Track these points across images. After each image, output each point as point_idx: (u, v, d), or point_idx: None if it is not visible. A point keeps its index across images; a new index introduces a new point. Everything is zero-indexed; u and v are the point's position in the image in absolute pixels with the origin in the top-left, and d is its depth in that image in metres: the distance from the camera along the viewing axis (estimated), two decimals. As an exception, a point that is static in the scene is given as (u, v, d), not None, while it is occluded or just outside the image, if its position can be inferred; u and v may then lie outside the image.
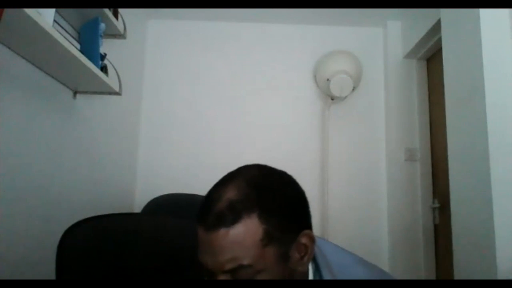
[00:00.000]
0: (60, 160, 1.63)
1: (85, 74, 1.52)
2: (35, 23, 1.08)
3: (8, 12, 1.01)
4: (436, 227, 2.42)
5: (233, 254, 0.62)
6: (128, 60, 2.37)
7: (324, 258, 0.73)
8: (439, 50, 2.10)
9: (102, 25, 1.65)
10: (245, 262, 0.62)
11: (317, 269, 0.73)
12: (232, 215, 0.63)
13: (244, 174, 0.68)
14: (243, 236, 0.62)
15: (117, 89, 1.78)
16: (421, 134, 2.55)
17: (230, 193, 0.64)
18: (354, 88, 2.57)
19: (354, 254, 0.78)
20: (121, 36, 1.89)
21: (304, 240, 0.69)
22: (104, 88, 1.71)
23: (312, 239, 0.70)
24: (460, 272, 1.64)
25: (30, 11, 1.04)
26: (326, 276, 0.71)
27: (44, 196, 1.51)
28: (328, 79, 2.54)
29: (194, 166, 2.60)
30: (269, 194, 0.66)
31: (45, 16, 1.18)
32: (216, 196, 0.65)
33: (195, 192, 2.17)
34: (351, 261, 0.76)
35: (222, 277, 0.64)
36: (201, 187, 2.44)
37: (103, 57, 1.70)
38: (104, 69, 1.70)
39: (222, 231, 0.63)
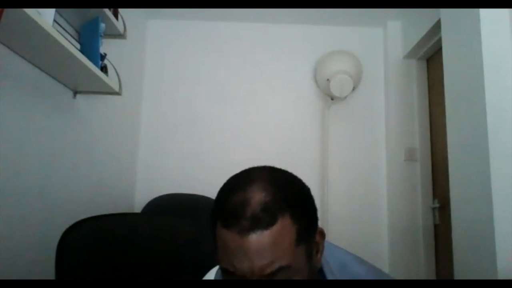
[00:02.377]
0: (60, 160, 1.63)
1: (85, 74, 1.52)
2: (35, 23, 1.09)
3: (8, 12, 1.01)
4: (436, 227, 2.42)
5: (272, 257, 0.60)
6: (128, 60, 2.37)
7: (324, 257, 0.73)
8: (439, 50, 2.10)
9: (102, 25, 1.65)
10: (284, 263, 0.61)
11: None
12: (268, 217, 0.61)
13: (261, 176, 0.66)
14: (280, 237, 0.61)
15: (117, 89, 1.78)
16: (421, 134, 2.55)
17: (259, 196, 0.62)
18: (354, 88, 2.57)
19: (351, 252, 0.78)
20: (121, 36, 1.89)
21: (317, 237, 0.69)
22: (104, 88, 1.71)
23: (323, 235, 0.70)
24: (460, 272, 1.64)
25: (30, 11, 1.05)
26: (328, 275, 0.71)
27: (44, 196, 1.51)
28: (328, 79, 2.54)
29: (194, 166, 2.60)
30: (295, 193, 0.66)
31: (45, 16, 1.18)
32: (242, 200, 0.62)
33: (195, 192, 2.18)
34: (349, 259, 0.76)
35: None
36: (201, 187, 2.45)
37: (103, 57, 1.70)
38: (104, 69, 1.70)
39: (259, 234, 0.60)
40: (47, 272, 1.16)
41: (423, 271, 2.40)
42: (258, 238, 0.60)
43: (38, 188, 1.47)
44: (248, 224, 0.60)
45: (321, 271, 0.72)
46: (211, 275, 0.82)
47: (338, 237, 2.48)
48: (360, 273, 0.73)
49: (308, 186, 0.70)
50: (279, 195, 0.63)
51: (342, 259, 0.75)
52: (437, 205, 2.37)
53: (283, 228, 0.61)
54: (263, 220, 0.60)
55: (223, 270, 0.64)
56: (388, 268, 2.46)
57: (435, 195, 2.45)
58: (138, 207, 2.44)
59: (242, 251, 0.60)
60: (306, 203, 0.67)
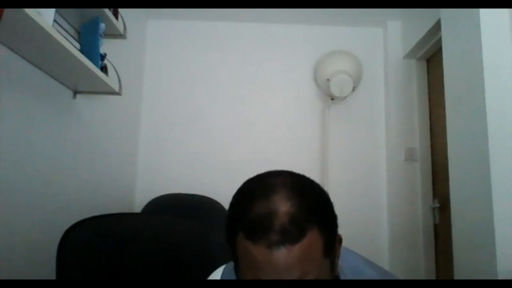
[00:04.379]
0: (60, 160, 1.63)
1: (85, 74, 1.52)
2: (35, 23, 1.08)
3: (8, 12, 1.01)
4: (436, 227, 2.42)
5: (302, 271, 0.58)
6: (128, 60, 2.37)
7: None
8: (439, 50, 2.10)
9: (102, 25, 1.65)
10: (312, 277, 0.59)
11: None
12: (297, 230, 0.58)
13: (283, 183, 0.63)
14: (309, 251, 0.59)
15: (117, 89, 1.78)
16: (421, 134, 2.55)
17: (284, 206, 0.59)
18: (354, 88, 2.57)
19: (360, 255, 0.78)
20: (121, 36, 1.89)
21: (336, 244, 0.67)
22: (104, 88, 1.71)
23: (341, 242, 0.69)
24: (460, 272, 1.64)
25: (30, 11, 1.04)
26: (342, 278, 0.71)
27: (44, 196, 1.51)
28: (328, 79, 2.54)
29: (194, 166, 2.60)
30: (318, 203, 0.64)
31: (45, 16, 1.18)
32: (268, 211, 0.59)
33: (195, 192, 2.18)
34: (361, 263, 0.76)
35: None
36: (201, 187, 2.45)
37: (103, 57, 1.70)
38: (104, 69, 1.70)
39: (289, 247, 0.58)
40: (48, 272, 1.16)
41: (423, 271, 2.39)
42: (288, 253, 0.58)
43: (38, 188, 1.47)
44: (277, 238, 0.58)
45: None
46: (217, 275, 0.81)
47: (338, 237, 2.48)
48: (372, 276, 0.73)
49: (327, 192, 0.68)
50: (305, 205, 0.61)
51: (354, 263, 0.75)
52: (437, 205, 2.37)
53: (312, 241, 0.59)
54: (292, 234, 0.58)
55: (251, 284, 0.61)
56: (388, 268, 2.46)
57: (435, 195, 2.45)
58: (138, 207, 2.44)
59: (271, 265, 0.58)
60: (329, 212, 0.65)
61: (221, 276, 0.80)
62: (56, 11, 1.34)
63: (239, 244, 0.61)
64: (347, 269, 0.73)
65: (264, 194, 0.62)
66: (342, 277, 0.71)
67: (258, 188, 0.64)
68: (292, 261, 0.58)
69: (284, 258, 0.58)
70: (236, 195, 0.66)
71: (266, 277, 0.58)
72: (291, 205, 0.60)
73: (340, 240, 0.69)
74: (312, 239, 0.59)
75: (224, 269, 0.81)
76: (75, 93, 1.72)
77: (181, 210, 2.03)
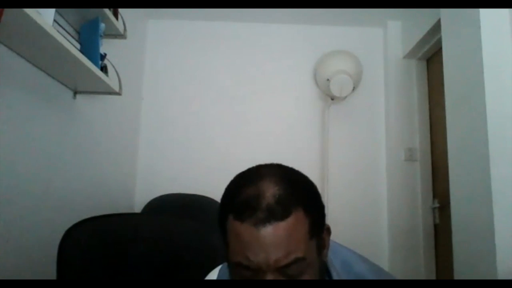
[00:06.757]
0: (60, 160, 1.63)
1: (85, 74, 1.52)
2: (35, 23, 1.09)
3: (8, 12, 1.01)
4: (436, 227, 2.42)
5: (288, 249, 0.61)
6: (128, 60, 2.37)
7: (328, 256, 0.73)
8: (439, 50, 2.10)
9: (102, 25, 1.65)
10: (299, 255, 0.61)
11: None
12: (283, 209, 0.61)
13: (271, 172, 0.67)
14: (294, 229, 0.61)
15: (117, 89, 1.78)
16: (421, 134, 2.55)
17: (272, 189, 0.63)
18: (354, 88, 2.57)
19: (352, 250, 0.78)
20: (121, 36, 1.89)
21: (324, 233, 0.70)
22: (104, 88, 1.71)
23: (329, 232, 0.71)
24: (460, 272, 1.64)
25: (30, 11, 1.05)
26: (333, 274, 0.72)
27: (44, 196, 1.51)
28: (328, 79, 2.54)
29: (194, 166, 2.60)
30: (305, 189, 0.67)
31: (45, 16, 1.18)
32: (255, 193, 0.63)
33: (195, 192, 2.18)
34: (352, 258, 0.76)
35: (271, 275, 0.61)
36: (201, 187, 2.44)
37: (103, 57, 1.70)
38: (104, 69, 1.70)
39: (275, 225, 0.60)
40: (48, 271, 1.16)
41: (423, 271, 2.40)
42: (274, 230, 0.60)
43: (38, 188, 1.47)
44: (264, 216, 0.61)
45: (326, 270, 0.72)
46: (213, 275, 0.82)
47: (337, 237, 2.47)
48: (363, 272, 0.74)
49: (314, 183, 0.71)
50: (291, 189, 0.64)
51: (345, 258, 0.76)
52: (437, 205, 2.37)
53: (297, 220, 0.62)
54: (278, 212, 0.61)
55: (235, 265, 0.63)
56: (388, 268, 2.46)
57: (435, 195, 2.45)
58: (138, 207, 2.44)
59: (258, 243, 0.60)
60: (316, 198, 0.68)
61: (218, 276, 0.80)
62: (56, 11, 1.34)
63: (228, 226, 0.64)
64: (337, 264, 0.74)
65: (253, 180, 0.65)
66: (333, 271, 0.72)
67: (248, 176, 0.68)
68: (278, 239, 0.60)
69: (270, 236, 0.60)
70: (228, 185, 0.69)
71: (254, 255, 0.61)
72: (278, 188, 0.63)
73: (328, 230, 0.71)
74: (298, 219, 0.62)
75: (221, 268, 0.81)
76: (75, 93, 1.72)
77: (181, 210, 2.03)
